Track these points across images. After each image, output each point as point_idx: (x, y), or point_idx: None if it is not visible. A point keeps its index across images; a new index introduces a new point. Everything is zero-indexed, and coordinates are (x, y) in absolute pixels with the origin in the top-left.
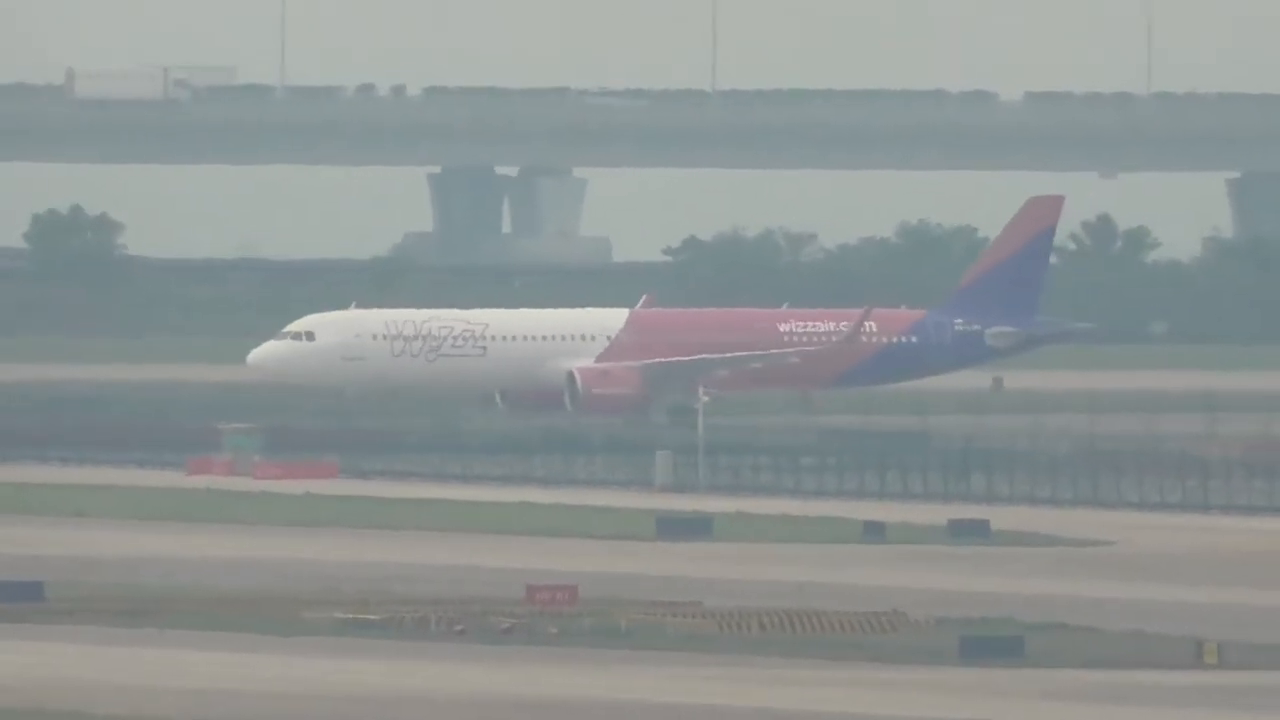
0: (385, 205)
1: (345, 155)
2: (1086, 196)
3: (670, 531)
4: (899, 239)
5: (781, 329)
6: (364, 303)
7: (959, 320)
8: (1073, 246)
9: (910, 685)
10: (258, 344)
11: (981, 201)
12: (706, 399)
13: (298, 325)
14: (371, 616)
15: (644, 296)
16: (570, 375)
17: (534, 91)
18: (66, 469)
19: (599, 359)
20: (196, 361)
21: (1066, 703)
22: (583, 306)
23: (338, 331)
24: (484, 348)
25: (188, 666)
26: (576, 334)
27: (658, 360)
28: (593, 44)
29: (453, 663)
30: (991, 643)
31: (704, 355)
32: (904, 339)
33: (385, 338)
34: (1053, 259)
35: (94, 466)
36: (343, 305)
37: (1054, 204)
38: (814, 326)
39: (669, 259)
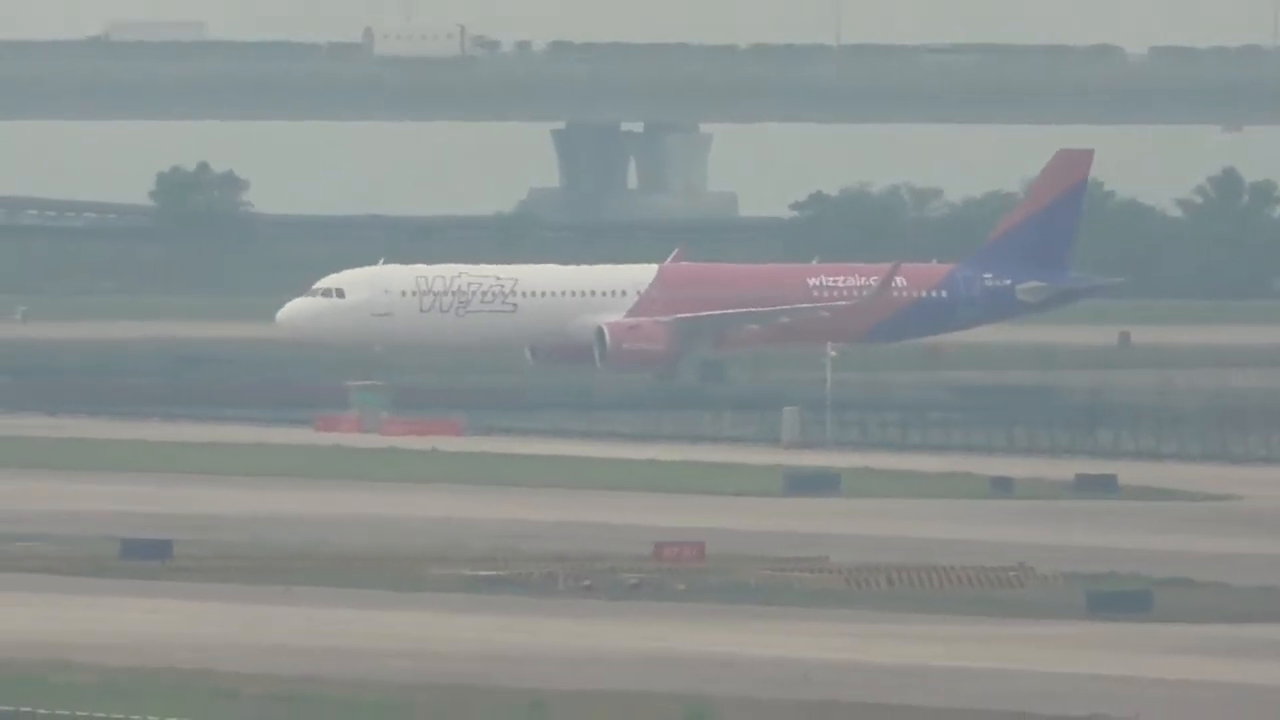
0: (511, 162)
1: (469, 111)
2: (1211, 150)
3: (798, 487)
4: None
5: (810, 283)
6: (489, 258)
7: (988, 275)
8: (1199, 200)
9: (1037, 640)
10: None
11: (1106, 155)
12: (834, 354)
13: (326, 282)
14: (499, 573)
15: (675, 251)
16: (599, 330)
17: (659, 46)
18: (194, 427)
19: (628, 314)
20: None
21: (1194, 657)
22: (710, 262)
23: (367, 288)
24: (514, 304)
25: (315, 624)
26: (606, 289)
27: (686, 315)
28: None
29: (580, 619)
30: (1119, 598)
31: (732, 310)
32: (934, 293)
33: (414, 294)
34: (1178, 213)
35: (222, 424)
36: (470, 261)
37: (1084, 158)
38: (843, 281)
39: (795, 214)
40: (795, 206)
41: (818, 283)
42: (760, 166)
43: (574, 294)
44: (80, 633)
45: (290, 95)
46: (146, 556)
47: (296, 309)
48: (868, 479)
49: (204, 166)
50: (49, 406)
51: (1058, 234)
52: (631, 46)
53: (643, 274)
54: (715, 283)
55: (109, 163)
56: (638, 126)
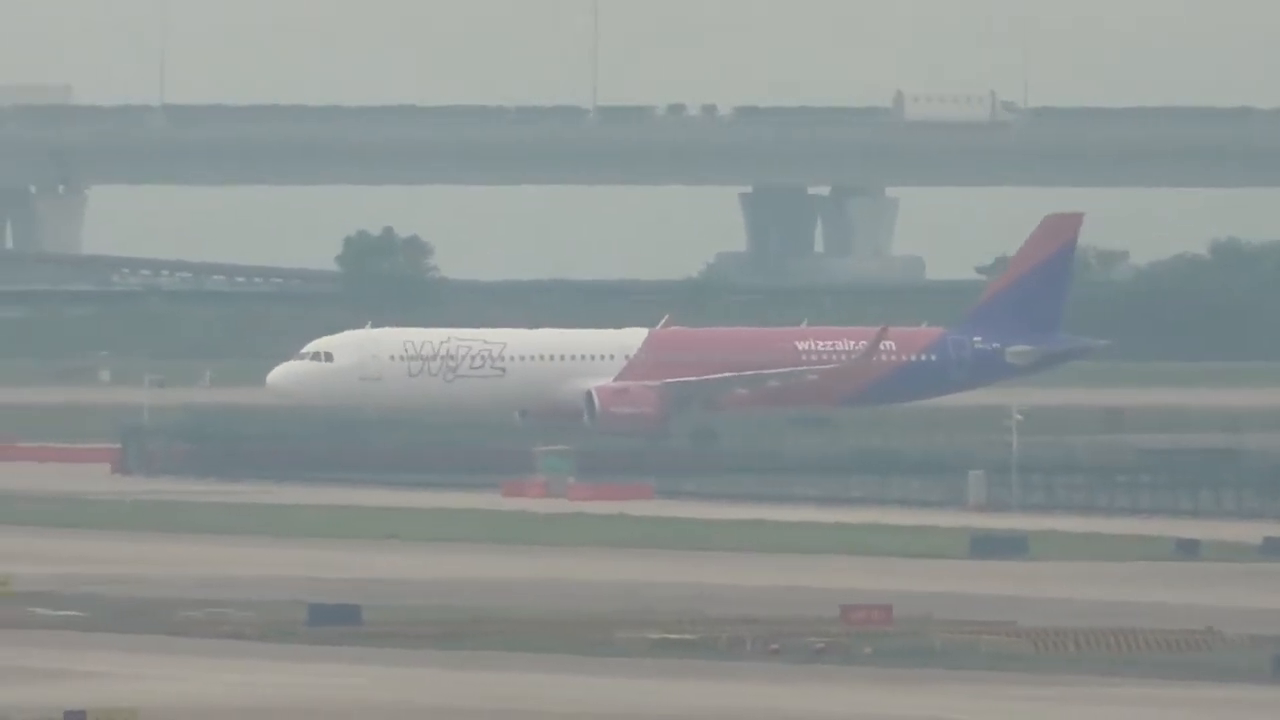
0: (698, 225)
1: (657, 175)
2: None
3: (985, 550)
4: (1211, 255)
5: (800, 347)
6: (672, 320)
7: (977, 338)
8: None
9: (1225, 703)
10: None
11: None
12: (1020, 418)
13: (315, 345)
14: (686, 637)
15: (665, 316)
16: (588, 395)
17: (845, 110)
18: (382, 492)
19: (617, 378)
20: None
21: None
22: (895, 325)
23: (355, 352)
24: (503, 368)
25: (503, 688)
26: (595, 354)
27: (676, 379)
28: (901, 63)
29: (766, 683)
30: None
31: (721, 374)
32: (923, 357)
33: (403, 358)
34: None
35: (409, 489)
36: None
37: (1072, 221)
38: (832, 345)
39: (981, 277)
40: (981, 270)
41: (806, 346)
42: (946, 230)
43: (563, 358)
44: (269, 699)
45: (475, 160)
46: (335, 622)
47: (286, 372)
48: (1054, 541)
49: (389, 231)
50: (235, 472)
51: (1046, 297)
52: (818, 110)
53: (632, 338)
54: (703, 347)
55: (296, 227)
56: (824, 190)
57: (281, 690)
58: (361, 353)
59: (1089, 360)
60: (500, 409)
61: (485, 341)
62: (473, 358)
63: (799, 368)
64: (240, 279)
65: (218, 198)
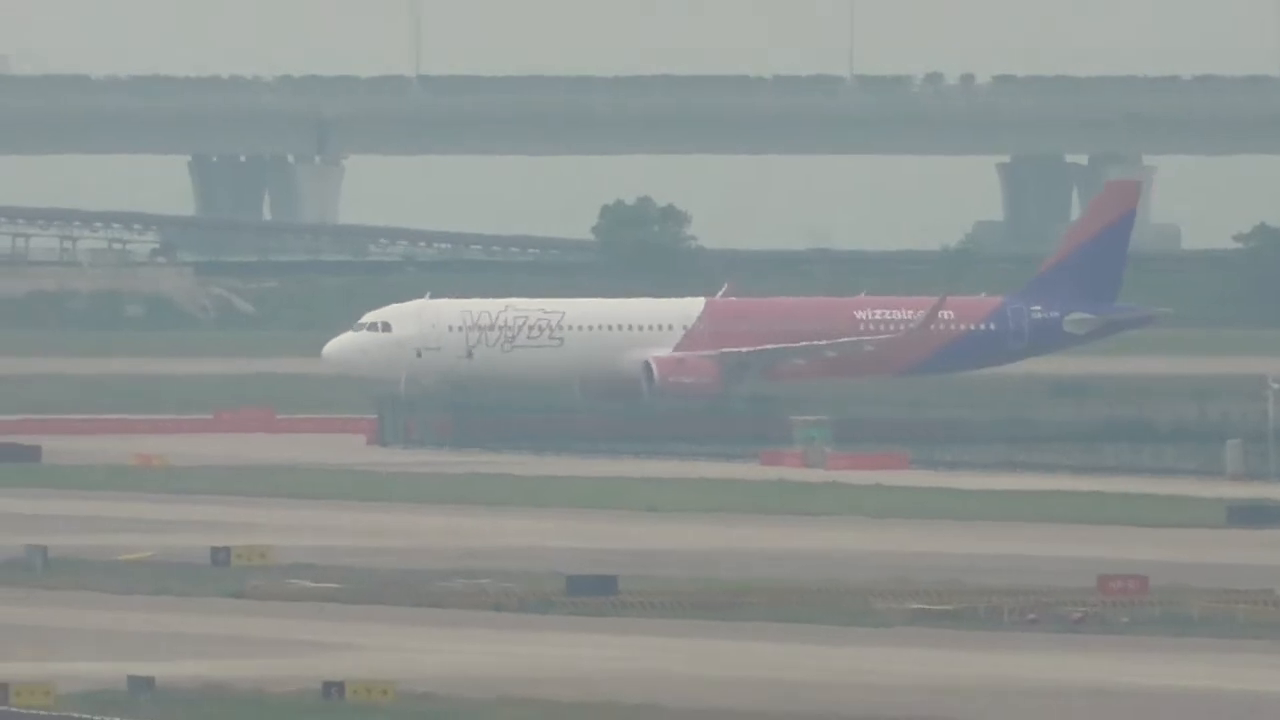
0: (955, 195)
1: (915, 145)
2: None
3: (1241, 519)
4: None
5: (858, 316)
6: (923, 290)
7: (1036, 307)
8: None
9: None
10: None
11: None
12: (1277, 386)
13: (373, 316)
14: (944, 607)
15: (725, 285)
16: (646, 364)
17: (1103, 79)
18: (640, 462)
19: (676, 348)
20: None
21: None
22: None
23: (414, 323)
24: (560, 338)
25: (761, 658)
26: (653, 323)
27: (733, 349)
28: (1157, 30)
29: (1025, 652)
30: None
31: (778, 344)
32: (982, 326)
33: (461, 328)
34: None
35: (667, 459)
36: (914, 294)
37: (1131, 188)
38: (890, 314)
39: (1239, 245)
40: (1239, 238)
41: (865, 315)
42: (1203, 198)
43: (621, 328)
44: (527, 669)
45: (732, 129)
46: (592, 592)
47: (343, 343)
48: None
49: (646, 200)
50: (493, 443)
51: (1106, 265)
52: (1076, 80)
53: (690, 308)
54: (761, 316)
55: (552, 197)
56: (1082, 159)
57: (538, 661)
58: (420, 323)
59: (1148, 328)
60: (559, 379)
61: (544, 311)
62: (530, 328)
63: (856, 338)
64: (497, 249)
65: (474, 167)
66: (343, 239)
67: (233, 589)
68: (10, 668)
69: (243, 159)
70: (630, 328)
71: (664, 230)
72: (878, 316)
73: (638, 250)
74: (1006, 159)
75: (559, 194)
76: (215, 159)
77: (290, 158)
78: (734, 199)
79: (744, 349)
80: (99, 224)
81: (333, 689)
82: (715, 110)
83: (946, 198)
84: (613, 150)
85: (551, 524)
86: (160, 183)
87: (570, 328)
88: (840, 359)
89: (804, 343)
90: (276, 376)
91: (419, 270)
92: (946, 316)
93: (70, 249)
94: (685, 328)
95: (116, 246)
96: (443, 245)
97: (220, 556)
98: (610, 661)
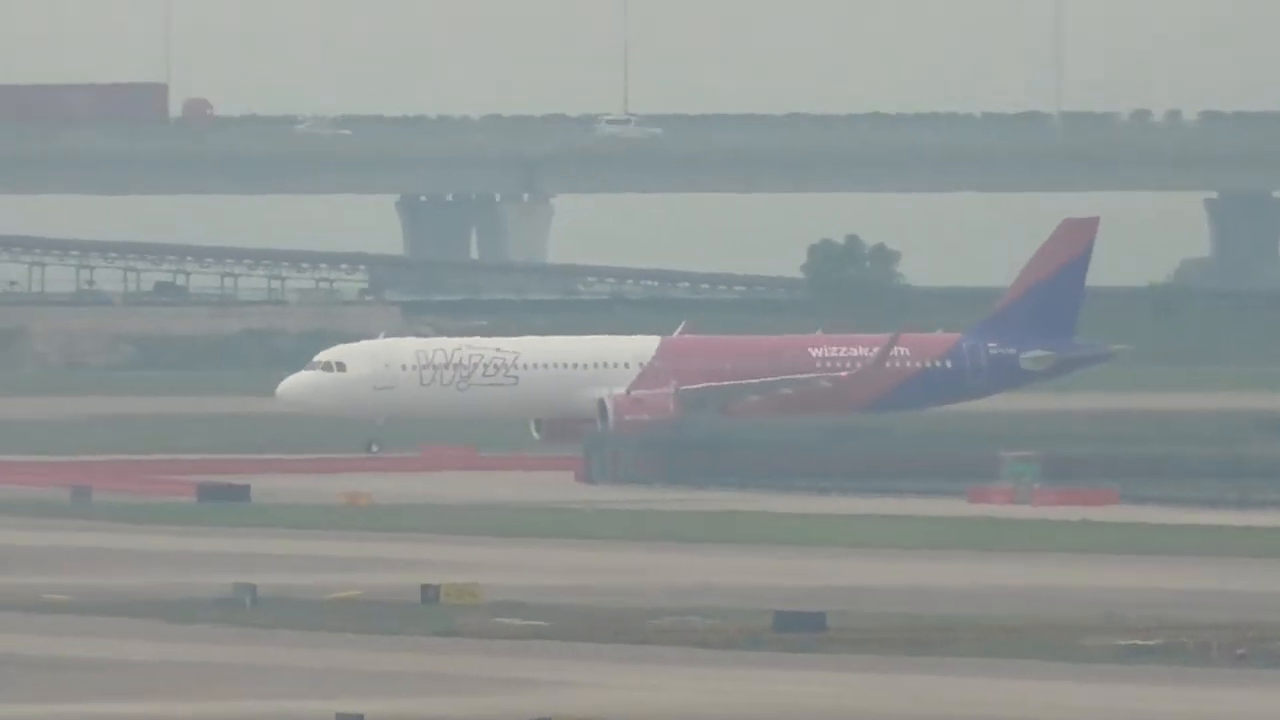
0: (1162, 231)
1: (1121, 181)
2: None
3: None
4: None
5: (814, 354)
6: (1136, 329)
7: (993, 344)
8: None
9: None
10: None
11: None
12: None
13: (327, 355)
14: (1152, 642)
15: (682, 323)
16: (601, 403)
17: None
18: (847, 499)
19: (631, 387)
20: None
21: None
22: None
23: (368, 361)
24: (516, 376)
25: (970, 695)
26: (609, 362)
27: (689, 387)
28: None
29: (1233, 687)
30: None
31: (734, 381)
32: (938, 363)
33: (415, 367)
34: None
35: (873, 496)
36: (1121, 333)
37: (1089, 226)
38: (846, 351)
39: None
40: None
41: (821, 353)
42: None
43: (576, 366)
44: (735, 706)
45: (940, 166)
46: (800, 629)
47: (297, 382)
48: None
49: (854, 239)
50: (700, 480)
51: (1062, 302)
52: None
53: (646, 346)
54: (717, 354)
55: (760, 235)
56: None
57: (746, 698)
58: (374, 362)
59: (1109, 365)
60: (513, 417)
61: (498, 350)
62: (485, 366)
63: (812, 375)
64: (705, 286)
65: (681, 205)
66: (550, 277)
67: (442, 627)
68: (220, 707)
69: (450, 198)
70: (586, 366)
71: (874, 268)
72: (833, 354)
73: (846, 288)
74: (1214, 195)
75: (766, 232)
76: (423, 198)
77: (497, 196)
78: (942, 236)
79: (699, 386)
80: (307, 264)
81: None
82: (923, 148)
83: (1153, 234)
84: (820, 188)
85: (759, 560)
86: (369, 222)
87: (525, 366)
88: (796, 396)
89: (760, 380)
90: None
91: (627, 308)
92: (903, 353)
93: (279, 289)
94: (641, 365)
95: (324, 286)
96: (650, 283)
97: (429, 594)
98: (818, 699)
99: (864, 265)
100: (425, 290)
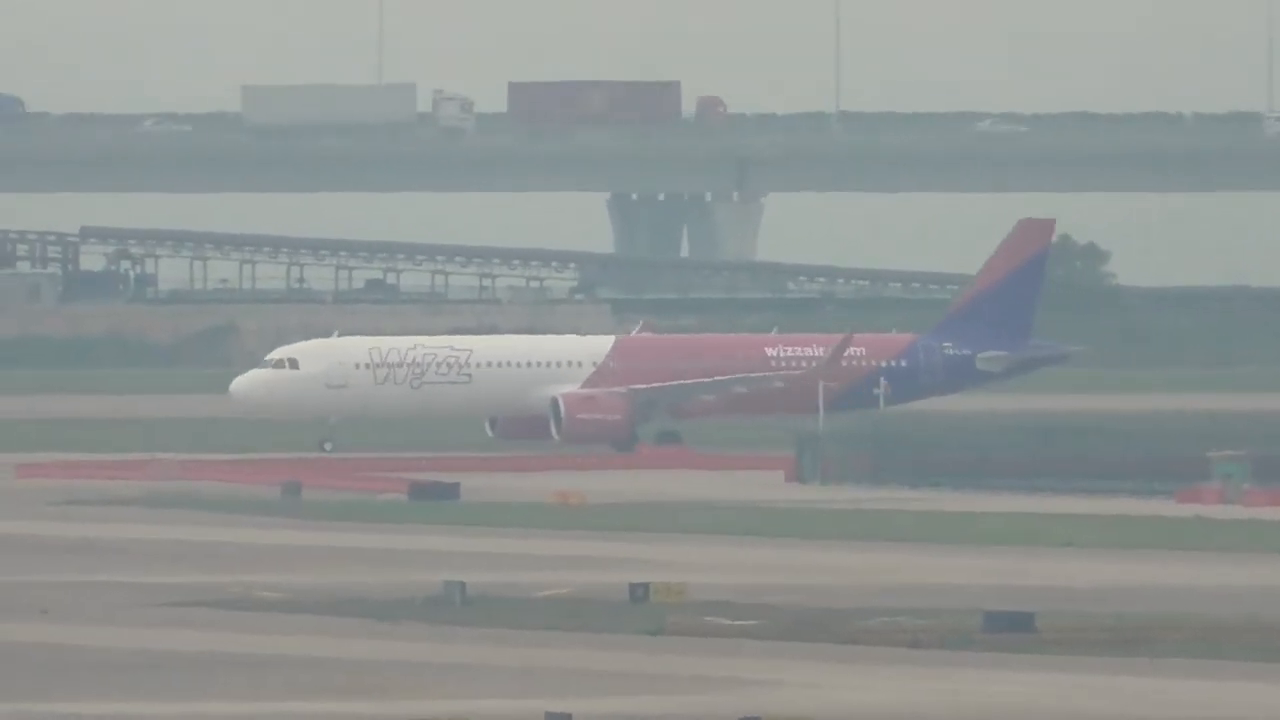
0: None
1: None
2: None
3: None
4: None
5: (768, 353)
6: (648, 326)
7: (948, 344)
8: None
9: None
10: (1246, 370)
11: None
12: None
13: (279, 353)
14: None
15: (640, 322)
16: (554, 401)
17: None
18: (1055, 499)
19: (584, 385)
20: (1188, 390)
21: None
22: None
23: (322, 359)
24: (469, 375)
25: (1181, 696)
26: (562, 360)
27: (642, 386)
28: None
29: None
30: None
31: (687, 380)
32: (894, 363)
33: (368, 366)
34: None
35: (1081, 496)
36: None
37: (1045, 227)
38: (801, 351)
39: None
40: None
41: (776, 353)
42: None
43: (530, 365)
44: (944, 706)
45: (1150, 166)
46: (1009, 629)
47: (249, 380)
48: None
49: (1065, 238)
50: (911, 479)
51: (1019, 303)
52: None
53: (599, 345)
54: (672, 353)
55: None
56: None
57: (956, 698)
58: (328, 360)
59: (1064, 366)
60: (467, 416)
61: (452, 349)
62: (439, 365)
63: (765, 374)
64: (916, 285)
65: (892, 204)
66: (760, 276)
67: (651, 626)
68: (429, 705)
69: (661, 197)
70: (539, 365)
71: (1085, 268)
72: (788, 354)
73: (1057, 287)
74: None
75: (976, 230)
76: (634, 197)
77: (708, 196)
78: (1153, 236)
79: (652, 385)
80: (517, 261)
81: None
82: (1133, 147)
83: None
84: (1029, 188)
85: (968, 560)
86: (580, 221)
87: (479, 365)
88: (750, 395)
89: (712, 379)
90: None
91: (837, 308)
92: (858, 353)
93: (490, 287)
94: (595, 364)
95: (535, 284)
96: (861, 282)
97: (639, 593)
98: (1029, 699)
99: (1074, 265)
100: (635, 289)
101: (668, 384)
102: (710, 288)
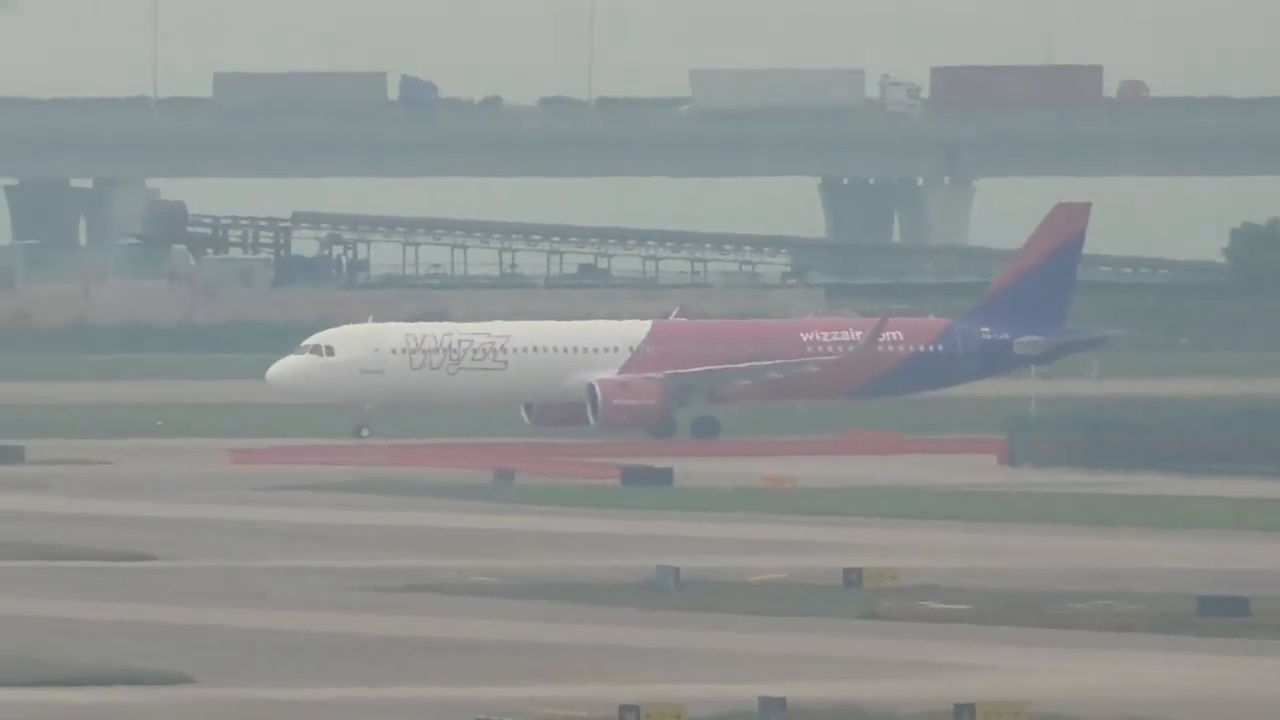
0: None
1: None
2: None
3: None
4: None
5: (804, 338)
6: (684, 311)
7: (985, 328)
8: None
9: None
10: None
11: None
12: None
13: (316, 339)
14: None
15: (677, 308)
16: (590, 387)
17: None
18: (1268, 482)
19: (621, 370)
20: None
21: None
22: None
23: (357, 345)
24: (505, 361)
25: None
26: (599, 346)
27: (677, 371)
28: None
29: None
30: None
31: (723, 365)
32: (930, 347)
33: (404, 351)
34: None
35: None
36: None
37: (1081, 211)
38: (837, 336)
39: None
40: None
41: (812, 338)
42: None
43: (566, 350)
44: (1159, 691)
45: None
46: (1223, 614)
47: (285, 366)
48: None
49: (1276, 221)
50: (1124, 463)
51: (1055, 287)
52: None
53: (636, 330)
54: (708, 338)
55: (1180, 219)
56: None
57: (1170, 682)
58: (363, 346)
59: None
60: (503, 402)
61: (488, 335)
62: (475, 351)
63: (801, 359)
64: (1127, 270)
65: (1105, 189)
66: (971, 261)
67: (864, 610)
68: (642, 689)
69: (872, 182)
70: (576, 350)
71: None
72: (824, 338)
73: (1271, 272)
74: None
75: (1185, 216)
76: (845, 181)
77: (919, 180)
78: None
79: (688, 370)
80: (729, 246)
81: (964, 710)
82: None
83: None
84: (1241, 171)
85: (1181, 545)
86: (792, 205)
87: (515, 350)
88: (786, 381)
89: (747, 364)
90: (906, 397)
91: None
92: (894, 338)
93: (701, 272)
94: (631, 350)
95: (747, 269)
96: None
97: (852, 577)
98: (1243, 684)
99: None
100: (847, 273)
101: (703, 369)
102: (921, 272)
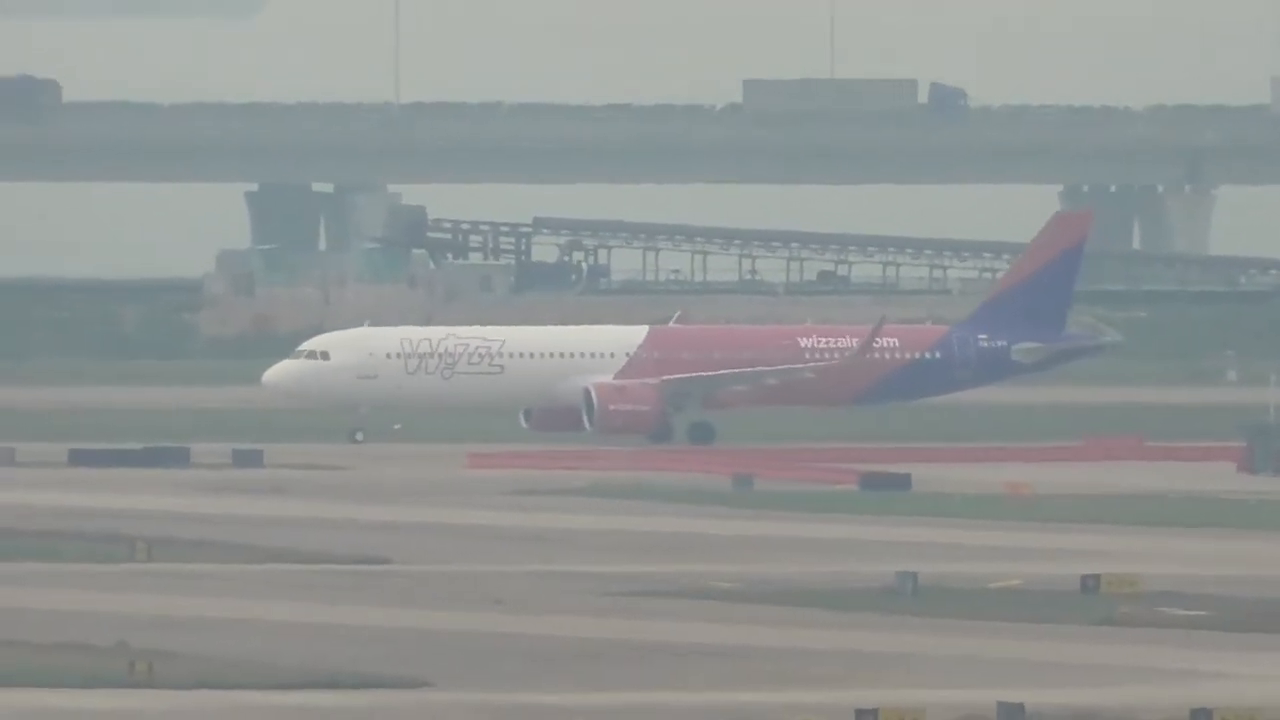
0: None
1: None
2: None
3: None
4: None
5: (803, 345)
6: (684, 316)
7: (983, 335)
8: None
9: None
10: None
11: None
12: None
13: (312, 344)
14: None
15: (677, 313)
16: (586, 392)
17: None
18: None
19: (617, 376)
20: None
21: None
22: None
23: (352, 350)
24: (501, 365)
25: None
26: (595, 351)
27: (674, 377)
28: None
29: None
30: None
31: (720, 371)
32: (928, 354)
33: (400, 356)
34: None
35: None
36: None
37: (1082, 220)
38: (836, 342)
39: None
40: None
41: (809, 344)
42: None
43: (562, 355)
44: None
45: None
46: None
47: (282, 371)
48: None
49: None
50: None
51: (1054, 295)
52: None
53: (633, 335)
54: (705, 344)
55: None
56: None
57: None
58: (358, 351)
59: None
60: (499, 406)
61: (484, 339)
62: (470, 355)
63: (798, 365)
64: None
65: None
66: (1212, 269)
67: (1102, 617)
68: (881, 694)
69: (1113, 189)
70: (572, 355)
71: None
72: (822, 345)
73: None
74: None
75: None
76: (1086, 188)
77: (1160, 188)
78: None
79: (684, 376)
80: (969, 253)
81: (1200, 715)
82: None
83: None
84: None
85: None
86: (1027, 212)
87: (511, 355)
88: (782, 387)
89: (744, 369)
90: (1144, 405)
91: None
92: (891, 344)
93: (941, 278)
94: (628, 355)
95: (986, 275)
96: None
97: (1090, 584)
98: None
99: None
100: (1086, 280)
101: (700, 375)
102: (1161, 280)
